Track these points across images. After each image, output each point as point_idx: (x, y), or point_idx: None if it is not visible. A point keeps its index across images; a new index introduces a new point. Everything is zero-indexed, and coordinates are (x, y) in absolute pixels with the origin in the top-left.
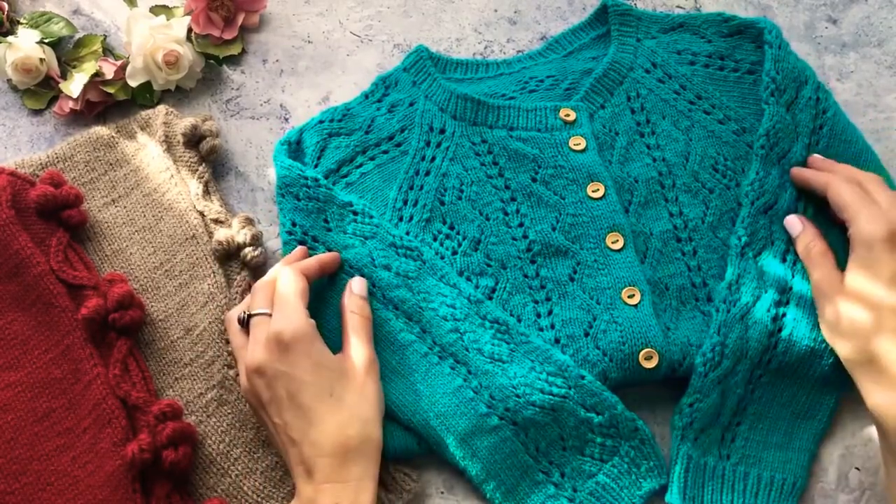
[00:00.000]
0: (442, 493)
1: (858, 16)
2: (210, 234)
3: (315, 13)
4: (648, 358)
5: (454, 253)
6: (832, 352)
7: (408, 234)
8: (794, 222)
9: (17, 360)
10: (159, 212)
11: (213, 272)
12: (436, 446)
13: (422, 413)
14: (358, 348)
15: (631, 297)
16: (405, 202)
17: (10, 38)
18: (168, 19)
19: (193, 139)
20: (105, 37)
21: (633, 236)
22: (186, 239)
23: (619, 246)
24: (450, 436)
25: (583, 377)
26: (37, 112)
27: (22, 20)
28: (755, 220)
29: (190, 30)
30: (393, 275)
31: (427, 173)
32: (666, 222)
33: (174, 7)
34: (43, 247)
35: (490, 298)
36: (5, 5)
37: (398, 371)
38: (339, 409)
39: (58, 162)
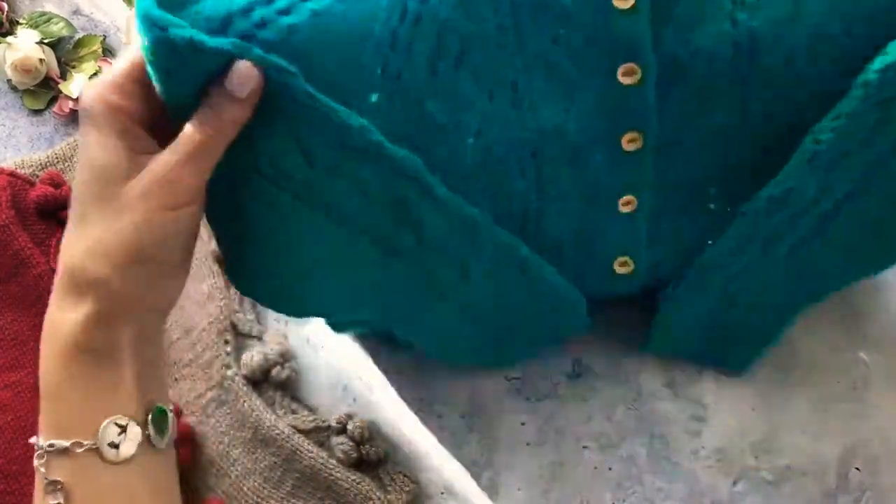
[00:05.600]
0: (442, 493)
1: None
2: (209, 235)
3: None
4: (623, 265)
5: (445, 144)
6: None
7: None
8: None
9: (17, 360)
10: None
11: (213, 273)
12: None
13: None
14: (177, 162)
15: (627, 204)
16: (383, 69)
17: (9, 39)
18: None
19: None
20: (105, 37)
21: (661, 135)
22: None
23: (634, 147)
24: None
25: (541, 265)
26: (37, 112)
27: (21, 20)
28: (856, 118)
29: None
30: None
31: (417, 20)
32: (721, 118)
33: None
34: (43, 247)
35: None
36: (5, 5)
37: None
38: (88, 228)
39: (58, 162)
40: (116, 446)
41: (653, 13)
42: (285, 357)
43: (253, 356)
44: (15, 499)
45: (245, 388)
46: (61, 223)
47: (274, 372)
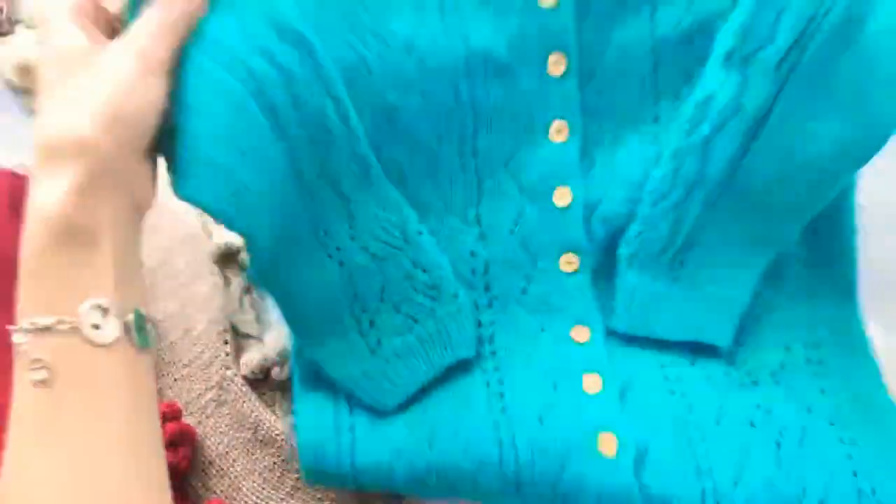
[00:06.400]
0: None
1: None
2: (209, 235)
3: None
4: (562, 197)
5: (380, 56)
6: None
7: (320, 28)
8: None
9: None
10: (158, 212)
11: (212, 273)
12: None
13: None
14: (145, 36)
15: (559, 132)
16: None
17: (9, 38)
18: None
19: None
20: None
21: (583, 56)
22: (185, 240)
23: (560, 70)
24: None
25: (420, 233)
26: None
27: (22, 20)
28: (756, 15)
29: None
30: (272, 67)
31: None
32: (633, 30)
33: None
34: None
35: (416, 118)
36: (4, 5)
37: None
38: (60, 93)
39: None
40: (98, 328)
41: None
42: (285, 357)
43: (253, 356)
44: None
45: (245, 388)
46: None
47: (274, 372)
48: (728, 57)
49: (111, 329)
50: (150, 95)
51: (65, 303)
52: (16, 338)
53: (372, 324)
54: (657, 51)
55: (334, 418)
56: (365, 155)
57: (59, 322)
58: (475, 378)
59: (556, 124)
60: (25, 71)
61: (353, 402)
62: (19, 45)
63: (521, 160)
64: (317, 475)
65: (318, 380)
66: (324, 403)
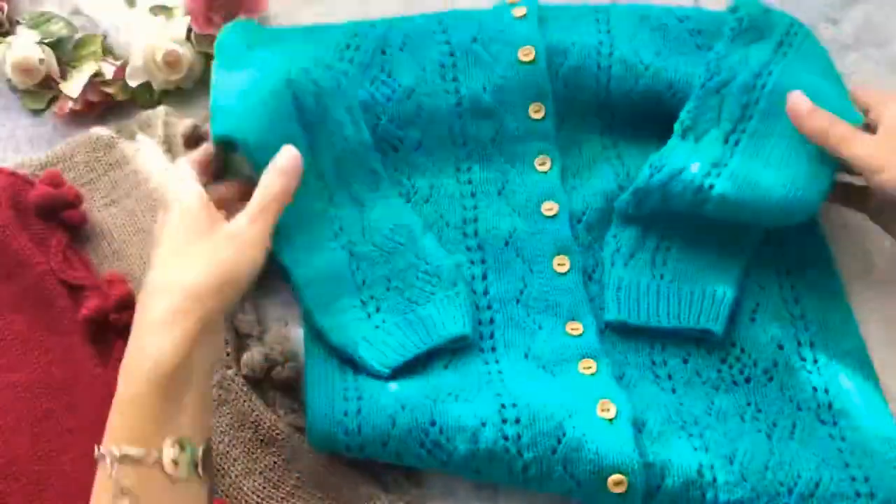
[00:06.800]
0: (443, 494)
1: (859, 16)
2: None
3: (315, 14)
4: (549, 209)
5: (388, 99)
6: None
7: (346, 74)
8: (799, 100)
9: (17, 361)
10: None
11: None
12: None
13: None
14: (248, 221)
15: (542, 164)
16: (348, 46)
17: (9, 38)
18: (168, 19)
19: (193, 140)
20: (105, 37)
21: (557, 107)
22: None
23: (539, 116)
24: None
25: (424, 234)
26: (37, 112)
27: (21, 20)
28: (703, 101)
29: (190, 30)
30: (308, 80)
31: (372, 25)
32: (591, 95)
33: (174, 7)
34: (43, 247)
35: (417, 149)
36: (5, 5)
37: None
38: (180, 254)
39: (58, 162)
40: (176, 464)
41: (540, 19)
42: (285, 357)
43: (253, 356)
44: (15, 500)
45: (245, 388)
46: (61, 223)
47: (274, 372)
48: (684, 134)
49: (185, 466)
50: (251, 266)
51: (153, 437)
52: (106, 459)
53: (378, 309)
54: (612, 108)
55: (342, 386)
56: (375, 168)
57: (147, 455)
58: (476, 362)
59: (540, 158)
60: (25, 71)
61: (359, 370)
62: (19, 45)
63: (512, 187)
64: (325, 441)
65: (326, 352)
66: (331, 373)
